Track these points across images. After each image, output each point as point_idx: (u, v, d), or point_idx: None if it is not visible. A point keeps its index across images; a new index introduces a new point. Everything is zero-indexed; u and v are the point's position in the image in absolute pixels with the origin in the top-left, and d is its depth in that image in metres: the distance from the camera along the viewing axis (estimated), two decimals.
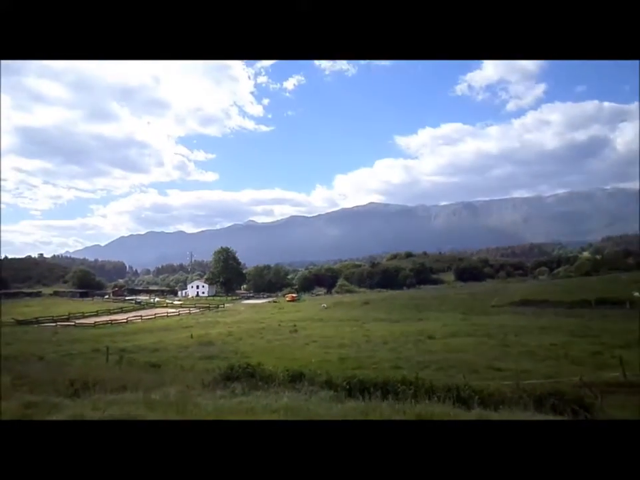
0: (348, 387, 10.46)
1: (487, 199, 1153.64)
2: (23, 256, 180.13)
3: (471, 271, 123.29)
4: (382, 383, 10.49)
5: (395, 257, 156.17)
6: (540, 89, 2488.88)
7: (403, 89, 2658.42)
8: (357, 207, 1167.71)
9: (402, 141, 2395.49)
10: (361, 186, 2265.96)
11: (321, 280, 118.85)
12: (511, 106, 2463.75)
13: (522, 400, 9.82)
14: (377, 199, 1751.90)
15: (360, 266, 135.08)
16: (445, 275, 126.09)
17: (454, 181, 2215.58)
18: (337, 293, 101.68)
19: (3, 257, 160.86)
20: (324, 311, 61.23)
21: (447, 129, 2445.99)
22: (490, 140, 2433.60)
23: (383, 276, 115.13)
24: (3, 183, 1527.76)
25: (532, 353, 26.02)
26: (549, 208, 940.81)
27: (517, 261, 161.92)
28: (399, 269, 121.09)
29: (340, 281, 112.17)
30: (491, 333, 34.51)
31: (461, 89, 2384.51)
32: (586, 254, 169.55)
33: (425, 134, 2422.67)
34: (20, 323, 58.98)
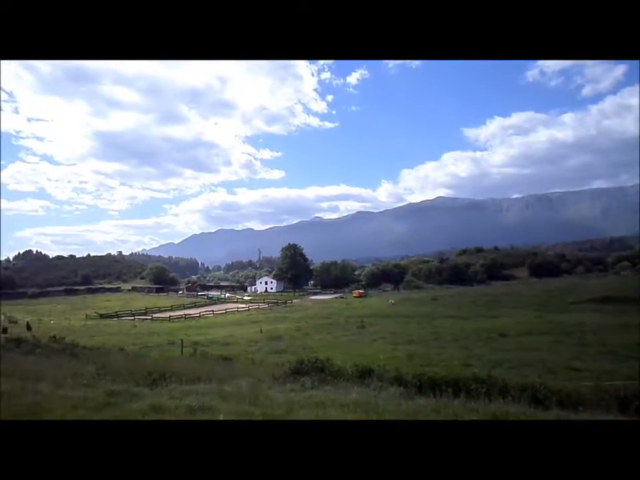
0: (418, 383, 10.31)
1: (563, 190, 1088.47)
2: (104, 254, 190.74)
3: (546, 266, 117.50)
4: (453, 381, 10.27)
5: (464, 252, 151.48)
6: (619, 70, 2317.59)
7: (470, 79, 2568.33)
8: (424, 201, 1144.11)
9: (470, 132, 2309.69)
10: (427, 180, 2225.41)
11: (388, 276, 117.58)
12: (587, 91, 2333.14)
13: (603, 402, 9.34)
14: (445, 193, 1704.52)
15: (428, 262, 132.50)
16: (517, 270, 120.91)
17: (526, 172, 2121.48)
18: (405, 289, 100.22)
19: (85, 255, 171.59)
20: (391, 307, 60.74)
21: (518, 118, 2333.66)
22: (565, 128, 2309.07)
23: (452, 272, 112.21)
24: (84, 185, 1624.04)
25: (613, 353, 24.62)
26: (630, 198, 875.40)
27: (596, 255, 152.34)
28: (469, 264, 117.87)
29: (407, 277, 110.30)
30: (567, 331, 33.01)
31: (532, 75, 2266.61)
32: None
33: (495, 124, 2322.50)
34: (102, 316, 62.97)
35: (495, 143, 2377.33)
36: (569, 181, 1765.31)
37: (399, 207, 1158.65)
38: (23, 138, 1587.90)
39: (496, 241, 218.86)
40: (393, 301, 67.44)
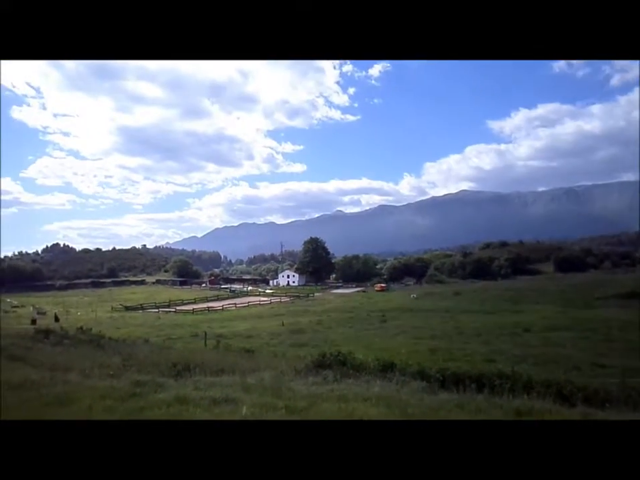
0: (441, 378, 10.26)
1: (590, 183, 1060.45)
2: (129, 247, 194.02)
3: (572, 261, 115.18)
4: (476, 376, 10.21)
5: (488, 246, 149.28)
6: None
7: (494, 70, 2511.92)
8: (447, 195, 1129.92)
9: (495, 124, 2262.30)
10: (451, 173, 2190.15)
11: (411, 270, 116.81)
12: (615, 81, 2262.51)
13: (630, 399, 9.18)
14: (468, 186, 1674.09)
15: (451, 256, 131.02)
16: (543, 265, 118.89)
17: (552, 165, 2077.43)
18: (427, 283, 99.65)
19: (111, 248, 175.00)
20: (414, 301, 60.31)
21: (544, 109, 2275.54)
22: (592, 119, 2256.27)
23: (476, 266, 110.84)
24: (109, 179, 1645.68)
25: None
26: None
27: (624, 250, 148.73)
28: (493, 258, 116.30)
29: (430, 271, 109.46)
30: (593, 327, 32.38)
31: (558, 65, 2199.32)
32: None
33: (520, 116, 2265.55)
34: (127, 308, 64.11)
35: (520, 135, 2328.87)
36: (596, 174, 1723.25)
37: (421, 201, 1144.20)
38: (50, 133, 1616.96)
39: (521, 234, 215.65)
40: (415, 295, 67.08)
